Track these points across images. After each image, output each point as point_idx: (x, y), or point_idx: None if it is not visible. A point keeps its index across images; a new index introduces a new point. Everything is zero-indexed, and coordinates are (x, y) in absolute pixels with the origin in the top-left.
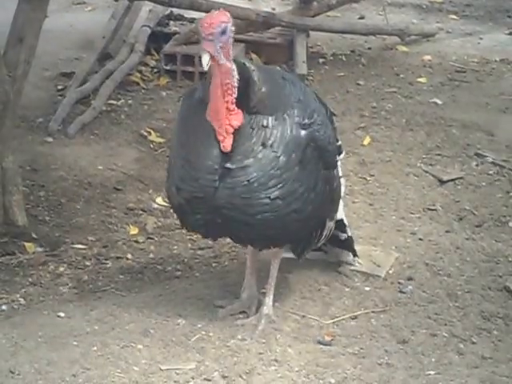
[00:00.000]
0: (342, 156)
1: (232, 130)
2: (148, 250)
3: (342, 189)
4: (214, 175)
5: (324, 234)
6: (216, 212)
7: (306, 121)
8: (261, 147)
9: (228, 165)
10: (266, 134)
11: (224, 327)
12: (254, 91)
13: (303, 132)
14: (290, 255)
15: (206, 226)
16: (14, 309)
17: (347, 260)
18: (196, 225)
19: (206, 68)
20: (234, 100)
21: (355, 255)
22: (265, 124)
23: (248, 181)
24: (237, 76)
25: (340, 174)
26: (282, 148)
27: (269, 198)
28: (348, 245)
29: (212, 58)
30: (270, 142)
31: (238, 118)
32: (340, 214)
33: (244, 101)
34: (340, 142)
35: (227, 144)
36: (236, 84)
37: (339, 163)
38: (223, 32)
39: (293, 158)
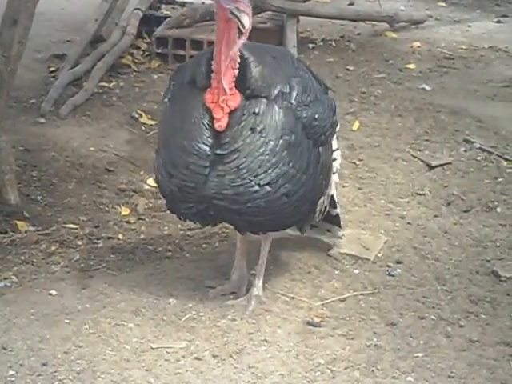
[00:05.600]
0: (337, 128)
1: (228, 110)
2: (139, 231)
3: (338, 162)
4: (206, 161)
5: (318, 210)
6: (207, 202)
7: (296, 101)
8: (249, 132)
9: (219, 151)
10: (256, 120)
11: (214, 307)
12: (249, 76)
13: (293, 114)
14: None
15: (197, 215)
16: (7, 286)
17: (337, 235)
18: (188, 213)
19: (248, 27)
20: (234, 79)
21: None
22: (256, 111)
23: (237, 167)
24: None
25: (335, 147)
26: (271, 133)
27: (258, 184)
28: (337, 220)
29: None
30: (260, 128)
31: (235, 100)
32: (332, 189)
33: (240, 84)
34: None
35: (223, 123)
36: (237, 63)
37: (334, 136)
38: None
39: (281, 142)
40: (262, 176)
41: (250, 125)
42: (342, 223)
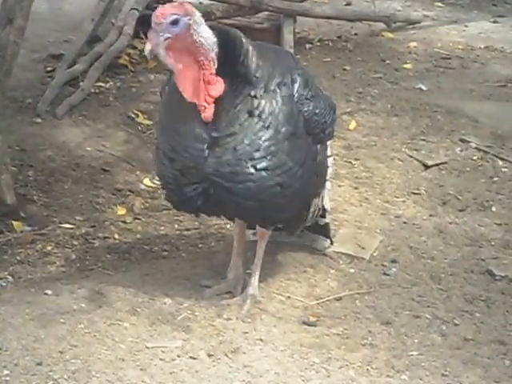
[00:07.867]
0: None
1: (212, 101)
2: (135, 231)
3: (330, 170)
4: (203, 144)
5: (311, 211)
6: (206, 181)
7: (298, 94)
8: (246, 115)
9: (214, 134)
10: (254, 104)
11: (210, 307)
12: (239, 59)
13: (295, 105)
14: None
15: (200, 198)
16: (2, 286)
17: (323, 246)
18: (191, 196)
19: (148, 57)
20: (213, 72)
21: (331, 242)
22: (252, 94)
23: (234, 148)
24: (216, 49)
25: (329, 153)
26: (270, 119)
27: (254, 168)
28: (326, 230)
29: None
30: (258, 111)
31: (216, 88)
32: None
33: (228, 68)
34: (335, 116)
35: (208, 114)
36: (214, 57)
37: (329, 142)
38: (174, 23)
39: (283, 131)
40: (258, 160)
41: (247, 108)
42: (331, 233)
